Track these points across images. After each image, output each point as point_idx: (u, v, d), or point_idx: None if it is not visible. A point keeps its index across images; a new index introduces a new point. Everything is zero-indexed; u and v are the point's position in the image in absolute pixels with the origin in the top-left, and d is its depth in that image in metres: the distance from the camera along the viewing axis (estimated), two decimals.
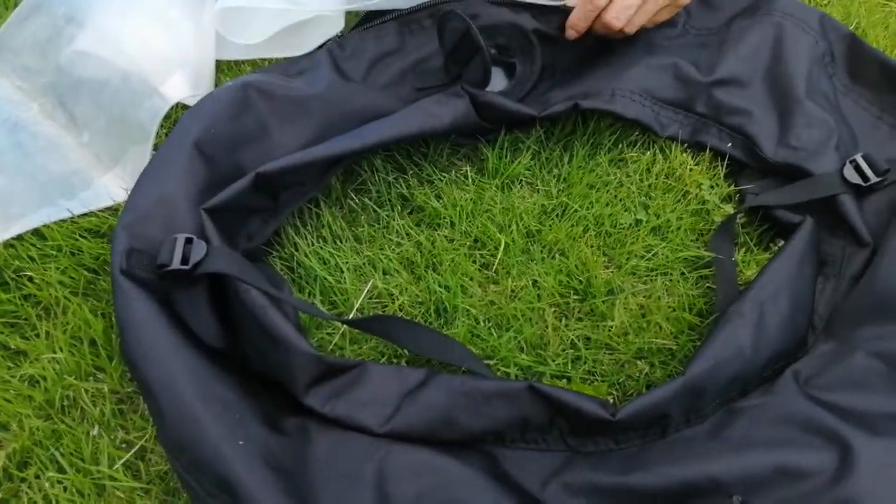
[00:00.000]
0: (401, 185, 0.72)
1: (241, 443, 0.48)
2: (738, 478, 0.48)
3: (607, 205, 0.71)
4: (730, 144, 0.72)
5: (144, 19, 0.82)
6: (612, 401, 0.61)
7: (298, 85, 0.69)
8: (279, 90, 0.67)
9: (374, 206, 0.71)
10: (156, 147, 0.75)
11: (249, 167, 0.63)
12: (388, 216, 0.70)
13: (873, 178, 0.64)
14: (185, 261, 0.53)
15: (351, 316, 0.64)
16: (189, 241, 0.54)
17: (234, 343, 0.57)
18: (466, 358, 0.59)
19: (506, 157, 0.74)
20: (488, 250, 0.68)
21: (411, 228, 0.70)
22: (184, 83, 0.80)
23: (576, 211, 0.70)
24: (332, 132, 0.68)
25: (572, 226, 0.70)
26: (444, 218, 0.70)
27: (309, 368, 0.53)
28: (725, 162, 0.73)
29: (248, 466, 0.47)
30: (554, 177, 0.74)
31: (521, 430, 0.55)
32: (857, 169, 0.65)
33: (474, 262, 0.68)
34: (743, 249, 0.69)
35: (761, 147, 0.70)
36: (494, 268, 0.67)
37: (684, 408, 0.55)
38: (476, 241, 0.69)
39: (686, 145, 0.74)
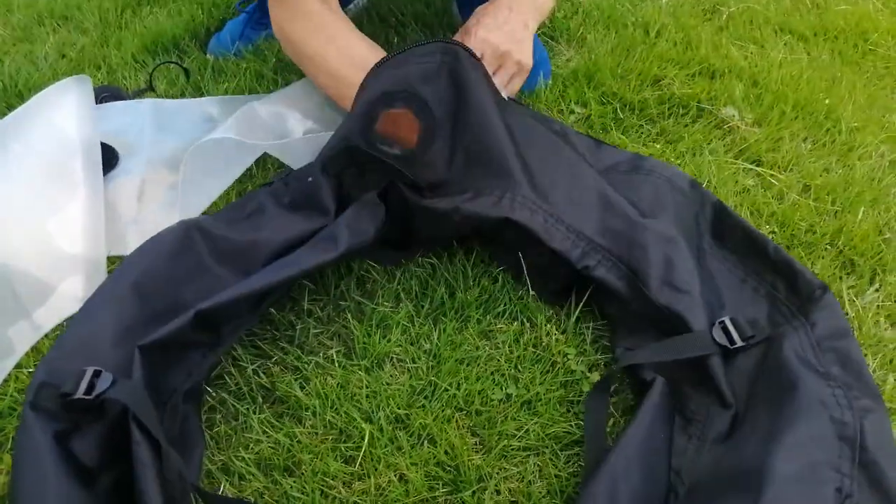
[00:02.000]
0: (262, 376, 0.69)
1: None
2: None
3: (477, 380, 0.70)
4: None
5: (26, 226, 0.81)
6: None
7: (242, 227, 0.74)
8: (219, 231, 0.71)
9: (234, 401, 0.68)
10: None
11: (190, 303, 0.65)
12: (247, 410, 0.67)
13: (738, 342, 0.65)
14: (89, 391, 0.55)
15: None
16: (97, 373, 0.56)
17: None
18: None
19: (375, 333, 0.73)
20: (354, 442, 0.65)
21: (272, 423, 0.66)
22: (79, 287, 0.77)
23: (445, 390, 0.69)
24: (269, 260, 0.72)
25: (441, 408, 0.68)
26: (308, 408, 0.67)
27: None
28: (591, 328, 0.74)
29: None
30: (424, 352, 0.72)
31: None
32: (725, 331, 0.66)
33: (338, 457, 0.64)
34: (610, 420, 0.68)
35: (648, 285, 0.69)
36: (359, 462, 0.64)
37: None
38: (341, 432, 0.66)
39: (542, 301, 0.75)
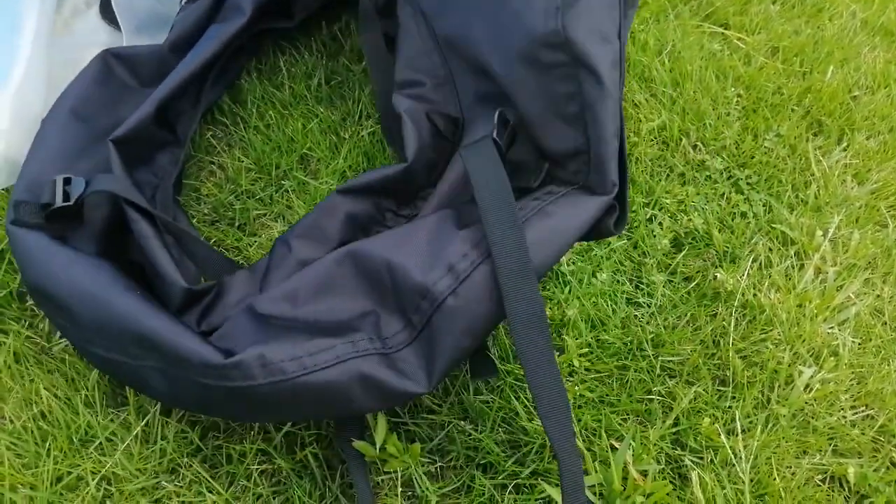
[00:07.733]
0: None
1: (145, 300, 0.50)
2: None
3: None
4: None
5: None
6: None
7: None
8: (133, 50, 0.70)
9: None
10: None
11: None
12: None
13: None
14: (67, 199, 0.54)
15: None
16: (68, 181, 0.54)
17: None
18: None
19: None
20: None
21: None
22: None
23: None
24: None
25: None
26: None
27: (177, 298, 0.53)
28: None
29: (159, 319, 0.48)
30: None
31: None
32: None
33: None
34: None
35: None
36: None
37: None
38: None
39: None
